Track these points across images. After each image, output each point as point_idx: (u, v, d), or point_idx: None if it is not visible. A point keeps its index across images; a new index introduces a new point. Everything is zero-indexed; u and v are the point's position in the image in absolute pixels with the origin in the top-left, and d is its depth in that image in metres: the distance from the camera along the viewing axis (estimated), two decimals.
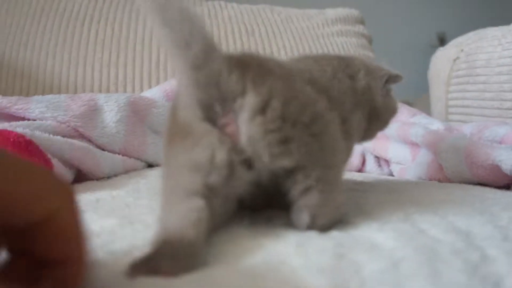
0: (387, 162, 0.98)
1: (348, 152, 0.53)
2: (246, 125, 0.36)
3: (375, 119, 0.59)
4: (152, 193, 0.59)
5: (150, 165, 0.91)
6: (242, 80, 0.37)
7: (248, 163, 0.37)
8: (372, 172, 0.99)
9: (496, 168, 0.69)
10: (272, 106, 0.37)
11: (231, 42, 1.36)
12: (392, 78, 0.61)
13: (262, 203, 0.44)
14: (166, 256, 0.30)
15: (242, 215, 0.44)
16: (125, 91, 1.22)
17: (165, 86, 1.03)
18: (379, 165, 1.00)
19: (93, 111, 0.83)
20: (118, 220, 0.45)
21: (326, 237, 0.38)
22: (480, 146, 0.71)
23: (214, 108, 0.37)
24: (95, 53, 1.25)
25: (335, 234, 0.39)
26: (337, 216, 0.41)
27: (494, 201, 0.54)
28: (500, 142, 0.75)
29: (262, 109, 0.36)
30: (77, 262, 0.25)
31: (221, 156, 0.36)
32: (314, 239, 0.37)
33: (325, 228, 0.39)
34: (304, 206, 0.39)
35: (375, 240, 0.37)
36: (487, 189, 0.67)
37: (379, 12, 2.86)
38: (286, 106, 0.37)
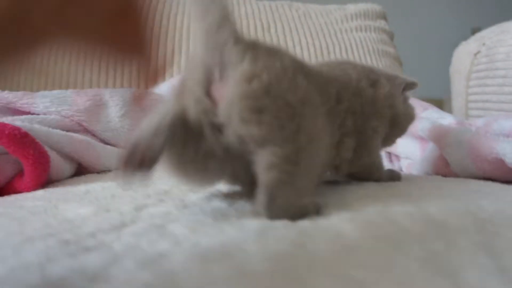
0: (398, 157, 0.96)
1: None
2: (230, 89, 0.38)
3: (396, 126, 0.61)
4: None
5: None
6: (243, 53, 0.39)
7: (218, 127, 0.39)
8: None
9: (501, 162, 0.66)
10: (261, 78, 0.38)
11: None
12: (409, 86, 0.64)
13: (232, 176, 0.47)
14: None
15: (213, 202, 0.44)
16: (137, 86, 1.22)
17: (173, 81, 1.04)
18: (390, 161, 0.98)
19: (98, 106, 0.84)
20: (96, 208, 0.46)
21: (291, 226, 0.37)
22: (484, 139, 0.68)
23: (214, 72, 0.39)
24: None
25: (302, 224, 0.38)
26: (300, 205, 0.40)
27: (487, 194, 0.52)
28: (508, 136, 0.72)
29: (250, 79, 0.38)
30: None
31: (174, 111, 0.40)
32: (278, 228, 0.37)
33: (285, 214, 0.38)
34: (264, 183, 0.38)
35: (341, 230, 0.36)
36: (488, 183, 0.65)
37: (412, 8, 2.82)
38: (274, 82, 0.39)
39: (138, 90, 0.91)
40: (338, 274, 0.28)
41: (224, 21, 0.39)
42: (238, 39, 0.39)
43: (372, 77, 0.58)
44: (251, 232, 0.35)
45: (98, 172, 0.76)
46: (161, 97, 0.92)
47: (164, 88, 1.01)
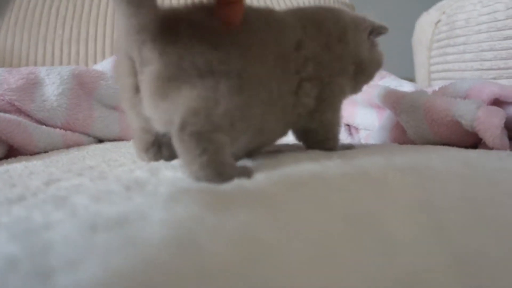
0: (357, 129, 0.92)
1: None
2: (143, 86, 0.41)
3: (360, 73, 0.58)
4: (69, 163, 0.54)
5: (100, 140, 0.86)
6: (153, 51, 0.39)
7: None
8: (343, 141, 0.93)
9: (457, 124, 0.62)
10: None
11: None
12: (377, 30, 0.60)
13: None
14: None
15: None
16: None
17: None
18: (350, 133, 0.94)
19: (33, 85, 0.78)
20: (2, 184, 0.40)
21: (208, 190, 0.32)
22: (439, 101, 0.64)
23: (136, 65, 0.41)
24: (55, 30, 1.20)
25: (221, 188, 0.33)
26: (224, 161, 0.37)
27: (439, 156, 0.48)
28: (465, 98, 0.69)
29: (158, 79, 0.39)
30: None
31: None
32: (192, 193, 0.32)
33: (196, 139, 0.37)
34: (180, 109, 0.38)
35: (264, 193, 0.32)
36: (443, 147, 0.61)
37: None
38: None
39: (78, 68, 0.85)
40: (244, 238, 0.24)
41: (145, 24, 0.39)
42: (155, 37, 0.39)
43: (340, 30, 0.55)
44: (160, 199, 0.31)
45: (31, 154, 0.70)
46: (103, 73, 0.87)
47: (106, 64, 0.95)
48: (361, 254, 0.23)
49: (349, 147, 0.61)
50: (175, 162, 0.46)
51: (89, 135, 0.83)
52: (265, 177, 0.36)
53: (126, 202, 0.31)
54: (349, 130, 0.95)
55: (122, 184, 0.36)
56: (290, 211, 0.28)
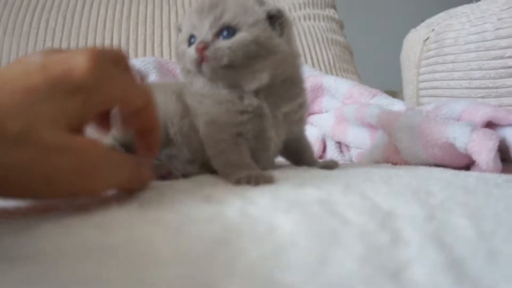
0: (348, 147, 0.92)
1: None
2: None
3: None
4: None
5: None
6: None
7: None
8: (334, 158, 0.94)
9: (451, 146, 0.63)
10: None
11: None
12: (280, 20, 0.58)
13: None
14: None
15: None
16: None
17: None
18: (341, 151, 0.95)
19: None
20: None
21: (214, 220, 0.32)
22: (434, 123, 0.65)
23: None
24: (44, 42, 1.19)
25: (228, 215, 0.33)
26: None
27: (438, 180, 0.49)
28: (458, 119, 0.69)
29: None
30: (157, 129, 0.41)
31: None
32: (199, 222, 0.31)
33: None
34: None
35: (275, 222, 0.31)
36: (438, 169, 0.61)
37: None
38: None
39: None
40: (261, 278, 0.23)
41: None
42: None
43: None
44: (167, 227, 0.30)
45: None
46: None
47: None
48: None
49: (329, 164, 0.62)
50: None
51: None
52: (269, 203, 0.36)
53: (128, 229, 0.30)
54: (340, 147, 0.95)
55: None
56: (302, 247, 0.27)
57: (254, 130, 0.56)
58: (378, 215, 0.33)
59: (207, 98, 0.55)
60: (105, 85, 0.34)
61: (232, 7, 0.54)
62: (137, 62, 1.02)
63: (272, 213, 0.33)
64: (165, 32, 1.29)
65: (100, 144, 0.33)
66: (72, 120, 0.32)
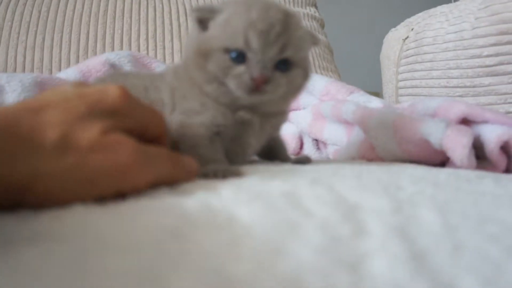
0: (325, 144, 0.92)
1: None
2: None
3: None
4: None
5: None
6: None
7: None
8: (310, 155, 0.93)
9: (426, 143, 0.62)
10: None
11: (167, 23, 1.29)
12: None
13: None
14: None
15: None
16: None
17: (80, 66, 0.95)
18: (318, 148, 0.94)
19: None
20: None
21: (173, 209, 0.31)
22: (409, 119, 0.64)
23: None
24: (19, 35, 1.17)
25: (188, 205, 0.31)
26: None
27: (409, 176, 0.48)
28: (434, 116, 0.69)
29: None
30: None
31: None
32: (156, 211, 0.30)
33: None
34: None
35: (234, 213, 0.30)
36: (412, 165, 0.61)
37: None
38: None
39: (41, 75, 0.82)
40: (212, 270, 0.22)
41: None
42: None
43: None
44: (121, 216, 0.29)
45: None
46: (66, 81, 0.84)
47: (70, 72, 0.92)
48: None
49: (303, 159, 0.61)
50: None
51: None
52: (231, 194, 0.35)
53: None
54: (317, 144, 0.94)
55: None
56: (258, 239, 0.26)
57: (234, 134, 0.55)
58: (343, 208, 0.32)
59: (198, 100, 0.54)
60: (134, 112, 0.37)
61: (295, 39, 0.51)
62: (111, 55, 1.00)
63: (233, 204, 0.32)
64: (143, 27, 1.27)
65: (133, 140, 0.35)
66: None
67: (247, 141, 0.56)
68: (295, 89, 0.55)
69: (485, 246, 0.27)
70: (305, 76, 0.55)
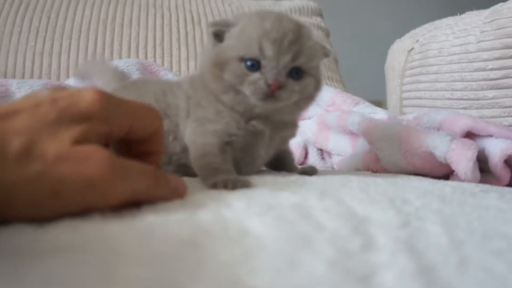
0: (329, 154, 0.93)
1: None
2: None
3: None
4: None
5: None
6: None
7: None
8: (314, 165, 0.94)
9: (431, 156, 0.63)
10: None
11: (174, 31, 1.30)
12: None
13: None
14: None
15: None
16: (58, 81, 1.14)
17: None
18: (322, 158, 0.95)
19: (2, 98, 0.76)
20: None
21: (188, 221, 0.32)
22: (414, 132, 0.65)
23: None
24: (27, 41, 1.18)
25: (203, 218, 0.32)
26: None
27: (415, 188, 0.49)
28: (439, 129, 0.70)
29: None
30: (162, 152, 0.42)
31: None
32: (171, 224, 0.31)
33: None
34: None
35: (247, 226, 0.31)
36: (417, 177, 0.61)
37: (349, 5, 2.82)
38: None
39: (51, 82, 0.83)
40: (228, 281, 0.23)
41: None
42: None
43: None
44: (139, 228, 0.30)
45: None
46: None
47: (76, 80, 0.94)
48: None
49: (308, 170, 0.62)
50: None
51: None
52: (243, 207, 0.36)
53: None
54: (322, 154, 0.95)
55: None
56: (272, 250, 0.27)
57: (245, 144, 0.56)
58: (352, 221, 0.33)
59: (214, 107, 0.55)
60: (114, 114, 0.35)
61: (307, 48, 0.53)
62: (119, 63, 1.02)
63: (245, 216, 0.33)
64: (150, 35, 1.28)
65: (107, 151, 0.32)
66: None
67: (257, 151, 0.57)
68: (308, 98, 0.57)
69: (490, 261, 0.27)
70: (317, 85, 0.57)
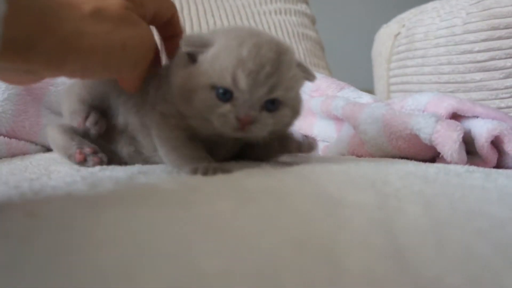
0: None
1: None
2: None
3: None
4: (9, 173, 0.50)
5: (48, 149, 0.81)
6: None
7: None
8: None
9: (416, 138, 0.62)
10: None
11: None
12: None
13: None
14: None
15: None
16: None
17: None
18: None
19: None
20: None
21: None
22: (398, 114, 0.64)
23: None
24: None
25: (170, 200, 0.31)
26: None
27: (397, 170, 0.47)
28: (424, 111, 0.68)
29: None
30: (181, 34, 0.53)
31: None
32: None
33: None
34: None
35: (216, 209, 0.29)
36: (401, 160, 0.60)
37: None
38: None
39: None
40: (183, 266, 0.21)
41: None
42: None
43: None
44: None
45: None
46: (52, 78, 0.82)
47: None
48: (306, 284, 0.20)
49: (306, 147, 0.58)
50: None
51: (36, 144, 0.78)
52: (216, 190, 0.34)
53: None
54: None
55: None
56: (235, 234, 0.25)
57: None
58: (328, 203, 0.32)
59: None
60: (147, 2, 0.46)
61: (286, 80, 0.48)
62: None
63: (217, 199, 0.31)
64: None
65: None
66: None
67: (218, 152, 0.54)
68: (283, 127, 0.53)
69: (472, 241, 0.26)
70: (294, 114, 0.52)
